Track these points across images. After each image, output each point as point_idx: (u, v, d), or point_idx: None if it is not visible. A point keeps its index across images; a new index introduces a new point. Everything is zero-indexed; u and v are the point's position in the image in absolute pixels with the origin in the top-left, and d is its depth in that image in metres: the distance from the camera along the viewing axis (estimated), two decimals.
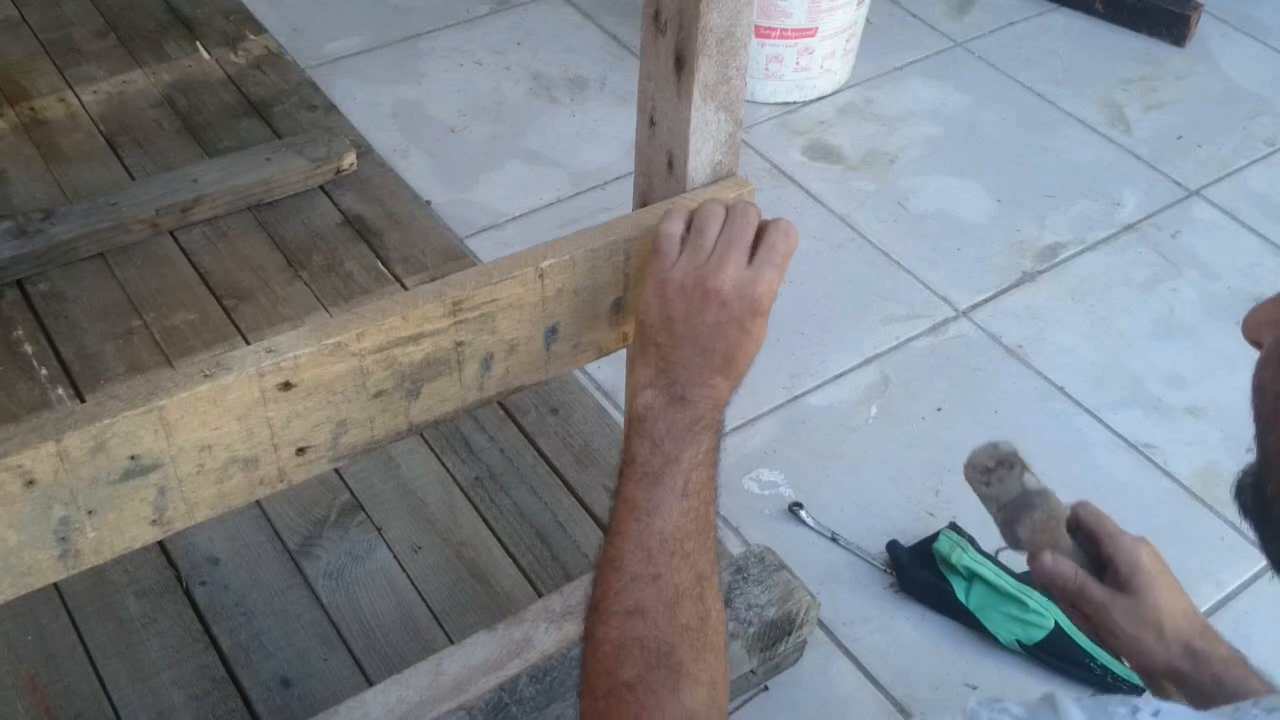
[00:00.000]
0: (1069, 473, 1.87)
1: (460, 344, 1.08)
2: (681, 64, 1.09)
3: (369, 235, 2.17)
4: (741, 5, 1.07)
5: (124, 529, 0.97)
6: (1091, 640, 1.20)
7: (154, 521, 0.98)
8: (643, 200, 1.23)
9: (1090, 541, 1.11)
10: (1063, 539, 1.10)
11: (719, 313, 0.98)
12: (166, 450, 0.95)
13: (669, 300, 1.00)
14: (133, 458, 0.94)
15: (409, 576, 1.62)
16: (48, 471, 0.91)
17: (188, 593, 1.60)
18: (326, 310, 2.00)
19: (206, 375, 0.94)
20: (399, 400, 1.07)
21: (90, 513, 0.95)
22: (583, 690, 0.91)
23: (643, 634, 0.89)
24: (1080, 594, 1.07)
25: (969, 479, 1.14)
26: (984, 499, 1.14)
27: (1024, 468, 1.11)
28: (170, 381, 0.94)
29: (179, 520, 0.99)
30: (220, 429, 0.96)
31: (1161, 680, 1.04)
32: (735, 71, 1.10)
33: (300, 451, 1.02)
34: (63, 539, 0.95)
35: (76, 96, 2.42)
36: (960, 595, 1.70)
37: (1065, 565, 1.07)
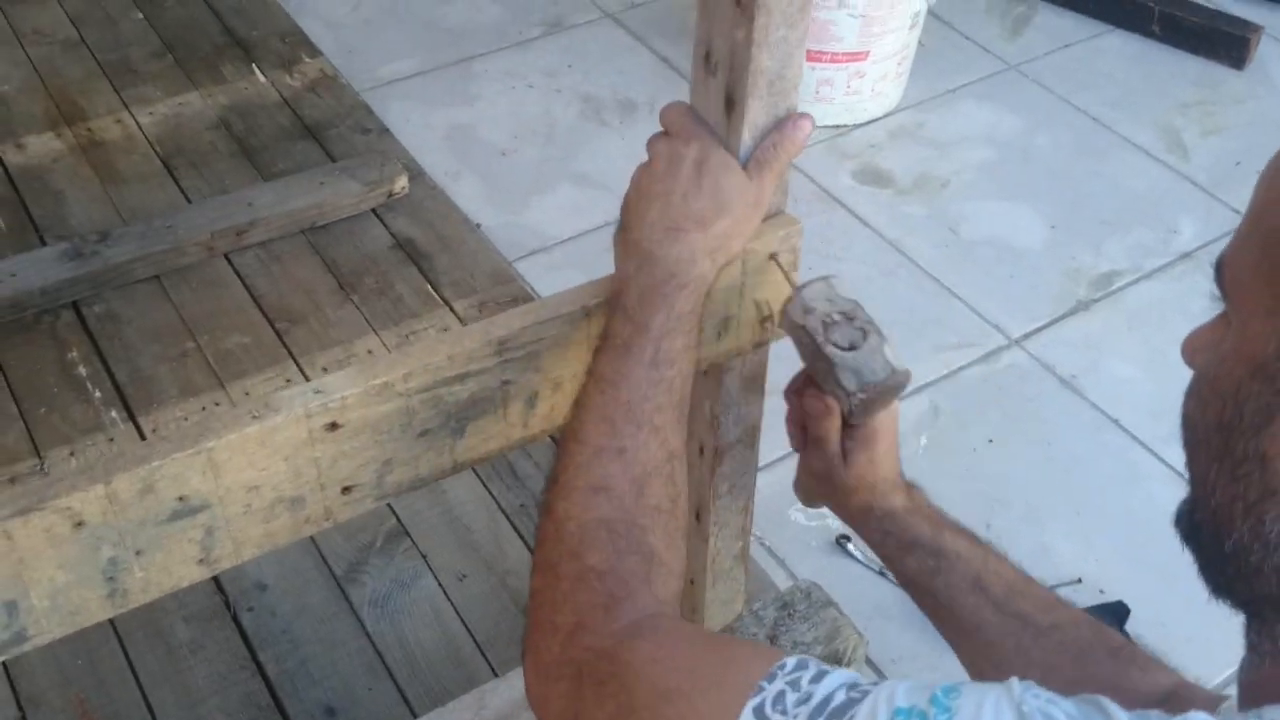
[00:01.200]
0: (1124, 506, 1.84)
1: (506, 382, 1.08)
2: (731, 105, 1.09)
3: (419, 258, 2.18)
4: (793, 48, 1.06)
5: (171, 569, 0.98)
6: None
7: (201, 561, 0.99)
8: None
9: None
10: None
11: (690, 172, 0.98)
12: (214, 491, 0.95)
13: (637, 183, 0.99)
14: (181, 499, 0.94)
15: (454, 605, 1.62)
16: (96, 513, 0.91)
17: (235, 618, 1.61)
18: (376, 334, 2.01)
19: (255, 416, 0.95)
20: (444, 439, 1.07)
21: (138, 553, 0.95)
22: (540, 566, 0.83)
23: (609, 514, 0.83)
24: (829, 436, 1.05)
25: (793, 319, 1.03)
26: (814, 350, 1.02)
27: (879, 333, 1.00)
28: (219, 422, 0.94)
29: (226, 559, 1.00)
30: (268, 469, 0.97)
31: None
32: (785, 112, 1.10)
33: (346, 490, 1.03)
34: (111, 579, 0.96)
35: (133, 118, 2.45)
36: None
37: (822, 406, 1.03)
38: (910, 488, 1.07)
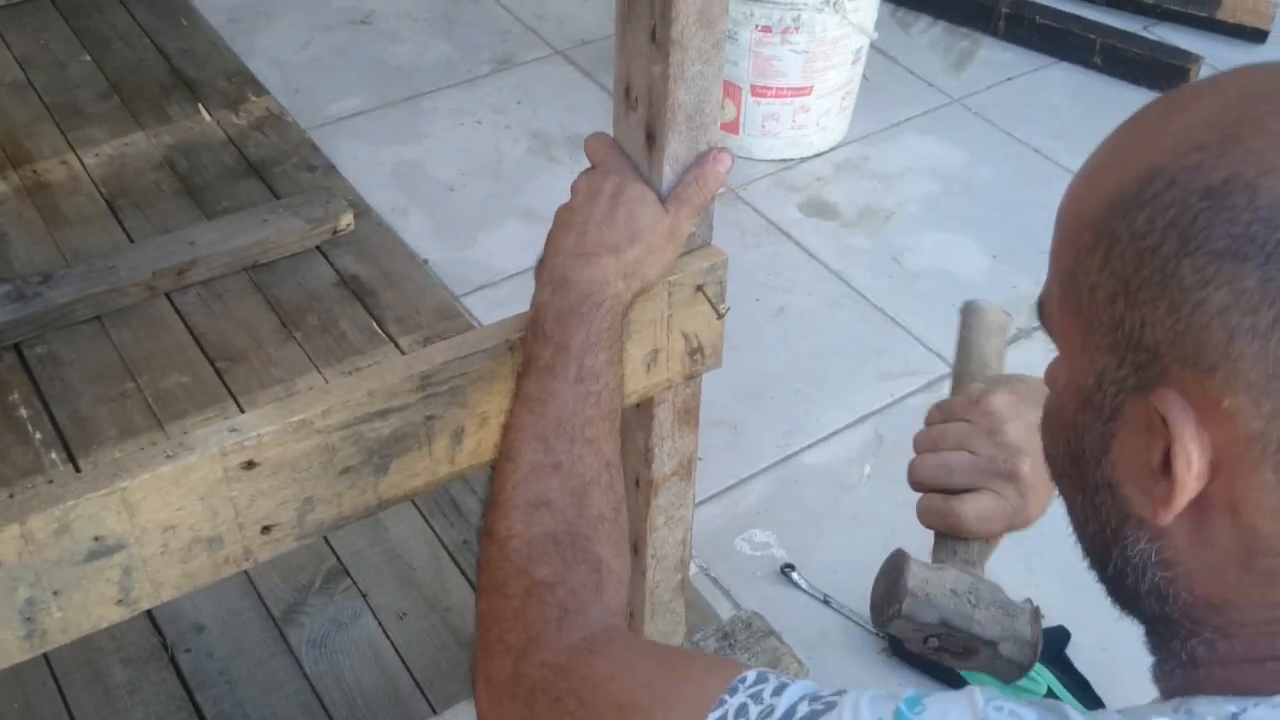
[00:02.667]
0: (1064, 532, 1.85)
1: (430, 418, 1.08)
2: (652, 139, 1.10)
3: (364, 295, 2.18)
4: (709, 83, 1.07)
5: (90, 609, 0.97)
6: None
7: (120, 601, 0.98)
8: None
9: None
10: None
11: (605, 204, 0.99)
12: (130, 531, 0.95)
13: (557, 215, 1.01)
14: (97, 539, 0.94)
15: (393, 644, 1.61)
16: (12, 553, 0.91)
17: (173, 660, 1.59)
18: (319, 371, 2.01)
19: (169, 456, 0.94)
20: (367, 476, 1.06)
21: (56, 593, 0.95)
22: (487, 589, 0.82)
23: (553, 528, 0.82)
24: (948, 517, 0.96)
25: (915, 648, 0.92)
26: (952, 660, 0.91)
27: (984, 641, 0.87)
28: (133, 462, 0.94)
29: (145, 600, 0.99)
30: (183, 509, 0.96)
31: None
32: (705, 146, 1.11)
33: (266, 530, 1.02)
34: (28, 619, 0.95)
35: (79, 159, 2.45)
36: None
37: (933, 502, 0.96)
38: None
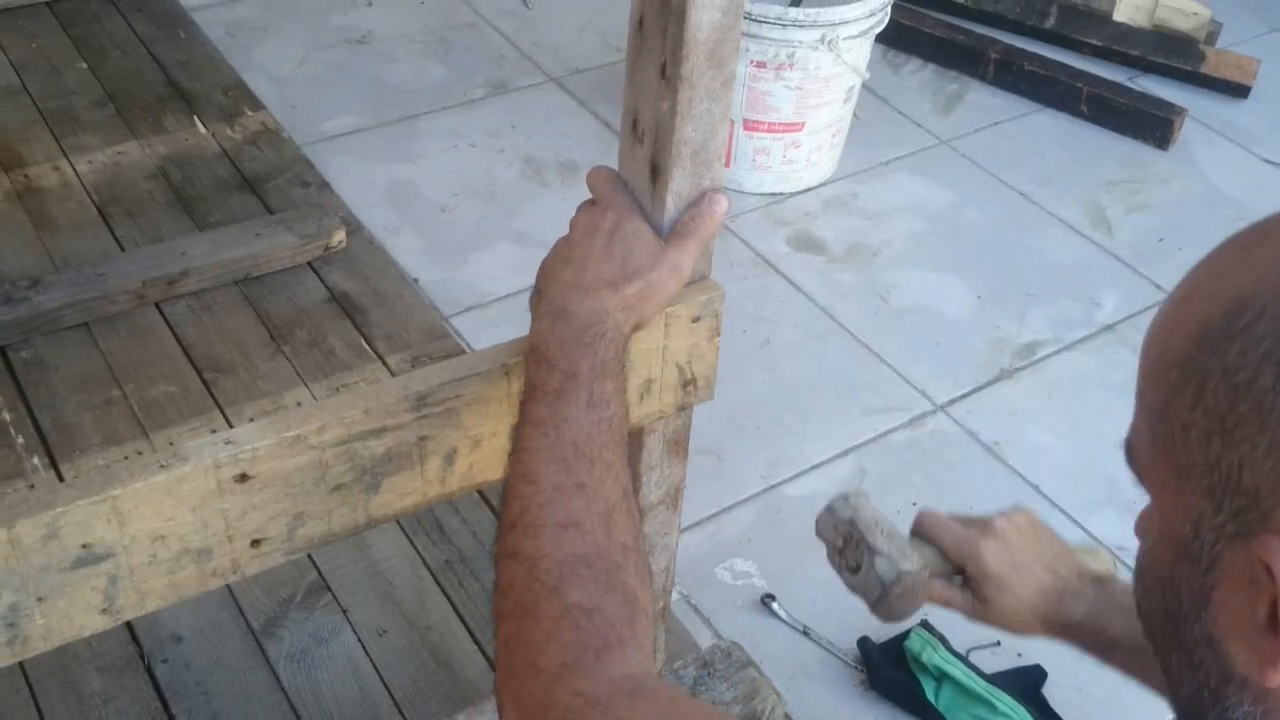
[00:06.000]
0: None
1: (423, 438, 1.09)
2: (656, 173, 1.11)
3: (354, 312, 2.18)
4: (716, 121, 1.09)
5: (73, 617, 0.97)
6: None
7: (104, 610, 0.98)
8: None
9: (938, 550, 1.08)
10: (924, 584, 1.06)
11: (603, 240, 1.00)
12: (119, 540, 0.95)
13: (555, 248, 1.01)
14: (85, 546, 0.94)
15: (372, 661, 1.61)
16: None
17: (149, 670, 1.58)
18: (306, 386, 2.01)
19: (163, 465, 0.95)
20: (358, 494, 1.07)
21: (40, 600, 0.94)
22: (514, 611, 0.79)
23: (583, 550, 0.80)
24: (953, 607, 1.05)
25: (829, 558, 1.08)
26: (843, 580, 1.07)
27: (870, 549, 1.03)
28: (125, 470, 0.94)
29: (129, 609, 0.99)
30: (174, 520, 0.96)
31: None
32: (710, 182, 1.12)
33: (255, 544, 1.02)
34: (11, 625, 0.95)
35: (71, 166, 2.45)
36: (930, 695, 1.69)
37: (936, 594, 1.04)
38: (1083, 590, 1.03)
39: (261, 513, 1.01)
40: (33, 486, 1.79)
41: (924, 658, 1.68)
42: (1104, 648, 1.00)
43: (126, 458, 1.82)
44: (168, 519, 0.96)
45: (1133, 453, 0.60)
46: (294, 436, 1.00)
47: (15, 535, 0.90)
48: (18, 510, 0.91)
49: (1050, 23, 3.26)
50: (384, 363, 2.09)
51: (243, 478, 0.98)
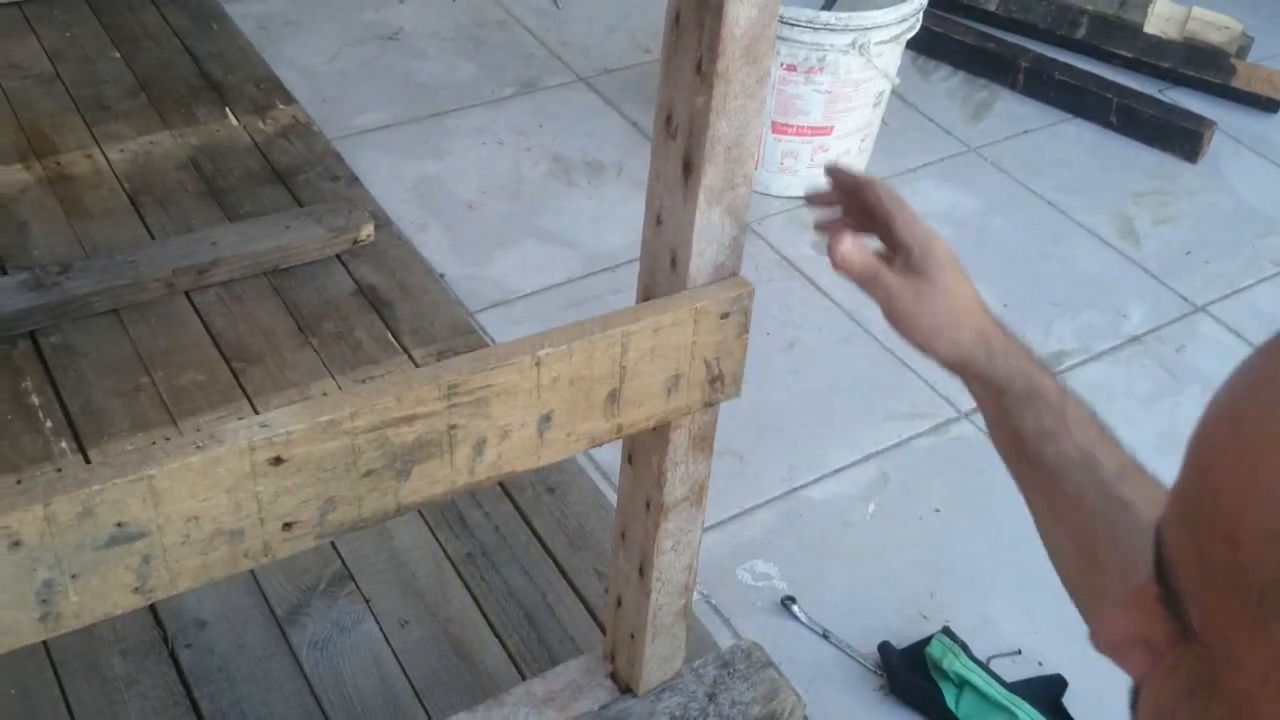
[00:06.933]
0: None
1: (453, 427, 1.09)
2: (689, 169, 1.12)
3: (380, 306, 2.19)
4: (750, 117, 1.09)
5: (106, 595, 0.98)
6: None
7: (136, 589, 0.99)
8: (645, 294, 1.25)
9: (883, 225, 1.00)
10: None
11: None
12: (153, 519, 0.96)
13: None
14: (119, 525, 0.95)
15: (394, 651, 1.62)
16: (34, 534, 0.92)
17: (173, 654, 1.59)
18: (333, 378, 2.02)
19: (198, 447, 0.95)
20: (389, 480, 1.07)
21: (74, 577, 0.95)
22: None
23: None
24: (874, 280, 0.98)
25: None
26: None
27: None
28: (161, 451, 0.95)
29: (161, 589, 1.00)
30: (208, 501, 0.97)
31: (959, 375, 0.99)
32: (741, 179, 1.13)
33: (287, 527, 1.03)
34: (44, 601, 0.96)
35: (103, 154, 2.47)
36: (950, 702, 1.68)
37: (860, 251, 0.98)
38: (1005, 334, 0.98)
39: (294, 496, 1.02)
40: (60, 470, 1.81)
41: (945, 664, 1.68)
42: (1001, 389, 0.95)
43: (154, 444, 1.83)
44: (202, 500, 0.97)
45: (1190, 634, 0.44)
46: (327, 421, 1.00)
47: (51, 512, 0.91)
48: (54, 487, 0.92)
49: (1081, 33, 3.25)
50: (410, 356, 2.10)
51: (276, 461, 0.99)
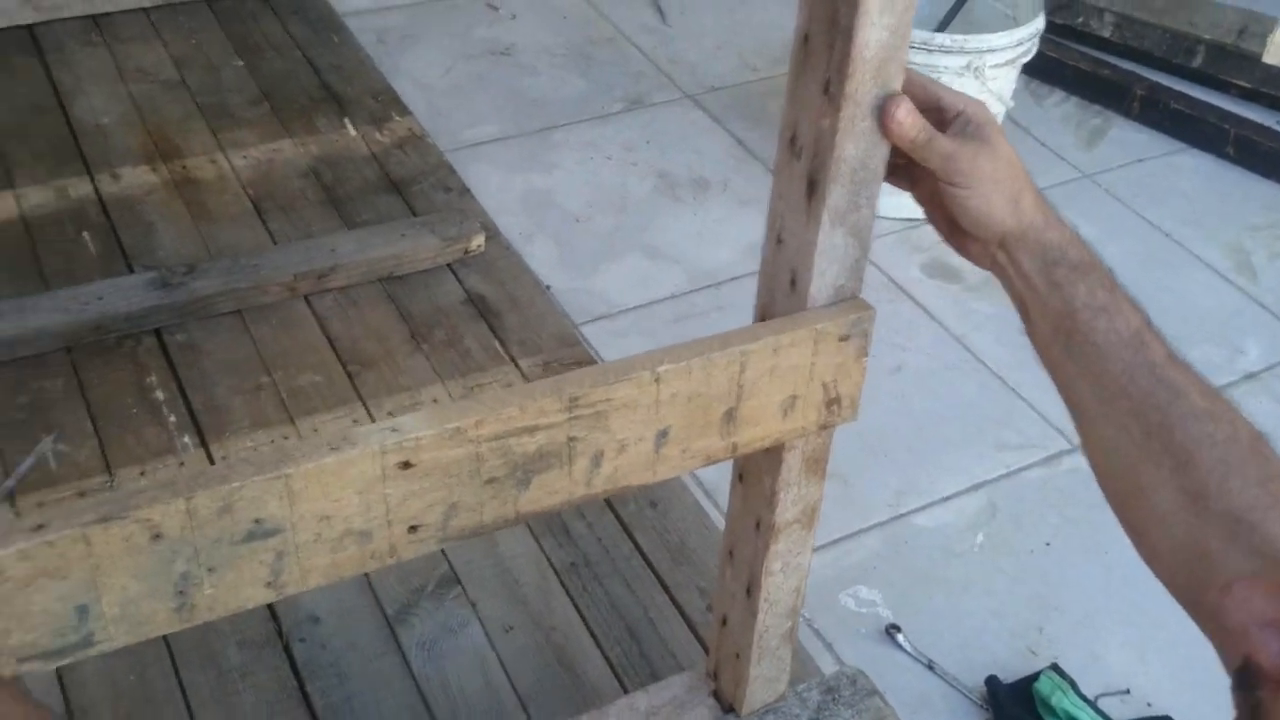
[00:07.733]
0: (1179, 621, 1.82)
1: (573, 439, 1.11)
2: (813, 189, 1.12)
3: (489, 315, 2.23)
4: (877, 139, 1.09)
5: (240, 589, 1.01)
6: (942, 235, 1.06)
7: (269, 584, 1.02)
8: (762, 314, 1.25)
9: (932, 103, 0.99)
10: None
11: None
12: (288, 517, 0.99)
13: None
14: (257, 521, 0.98)
15: (498, 656, 1.64)
16: (175, 527, 0.95)
17: (287, 648, 1.63)
18: (443, 383, 2.06)
19: (333, 448, 0.98)
20: (509, 489, 1.09)
21: (210, 570, 0.99)
22: None
23: None
24: (930, 143, 0.97)
25: None
26: None
27: None
28: (298, 451, 0.98)
29: (292, 585, 1.03)
30: (340, 501, 1.00)
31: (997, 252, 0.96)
32: (866, 201, 1.13)
33: (412, 530, 1.05)
34: (181, 593, 0.99)
35: (227, 159, 2.54)
36: None
37: (915, 115, 0.96)
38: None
39: (420, 500, 1.04)
40: (182, 464, 1.87)
41: (1053, 701, 1.65)
42: (1078, 268, 0.92)
43: (273, 441, 1.88)
44: (334, 500, 0.99)
45: None
46: (454, 429, 1.03)
47: (193, 506, 0.94)
48: (197, 482, 0.95)
49: (1197, 61, 3.18)
50: (517, 366, 2.13)
51: (405, 465, 1.01)
